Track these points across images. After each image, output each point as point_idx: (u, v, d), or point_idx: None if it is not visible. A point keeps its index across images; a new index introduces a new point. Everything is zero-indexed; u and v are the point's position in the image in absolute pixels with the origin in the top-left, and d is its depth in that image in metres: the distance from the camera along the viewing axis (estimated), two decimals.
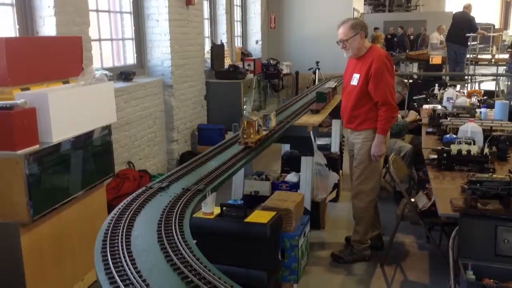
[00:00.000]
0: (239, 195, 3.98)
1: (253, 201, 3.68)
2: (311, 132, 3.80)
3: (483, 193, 2.52)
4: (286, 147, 5.16)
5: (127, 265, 1.46)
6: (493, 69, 10.87)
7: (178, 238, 1.65)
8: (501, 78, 9.87)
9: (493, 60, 10.96)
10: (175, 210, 1.91)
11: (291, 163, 4.57)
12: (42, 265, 2.81)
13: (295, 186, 3.98)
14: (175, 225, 1.76)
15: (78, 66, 3.31)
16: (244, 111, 6.80)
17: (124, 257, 1.51)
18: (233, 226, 2.62)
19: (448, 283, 2.95)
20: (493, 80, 10.26)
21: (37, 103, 2.68)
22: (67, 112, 2.88)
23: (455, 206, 2.53)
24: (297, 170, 4.12)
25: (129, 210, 1.90)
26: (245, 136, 2.82)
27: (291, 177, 4.11)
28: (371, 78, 3.38)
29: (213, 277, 1.38)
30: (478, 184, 2.55)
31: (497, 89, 9.49)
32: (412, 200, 3.57)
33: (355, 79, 3.50)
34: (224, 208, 2.73)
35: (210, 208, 2.68)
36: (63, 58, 3.21)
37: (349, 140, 3.76)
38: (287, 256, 2.96)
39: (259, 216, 2.68)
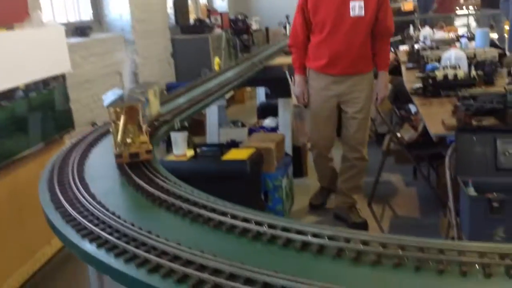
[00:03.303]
0: None
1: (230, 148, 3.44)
2: (286, 72, 3.56)
3: (477, 109, 2.34)
4: (261, 98, 4.91)
5: (79, 191, 1.19)
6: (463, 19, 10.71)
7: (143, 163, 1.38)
8: (472, 23, 9.71)
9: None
10: None
11: (267, 113, 4.32)
12: (0, 229, 2.52)
13: (274, 131, 3.74)
14: None
15: (23, 11, 2.94)
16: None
17: (76, 184, 1.24)
18: (209, 166, 2.37)
19: (442, 211, 2.81)
20: (464, 25, 10.12)
21: None
22: (11, 57, 2.54)
23: (448, 125, 2.34)
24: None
25: (84, 141, 1.63)
26: (121, 141, 1.37)
27: (269, 122, 3.88)
28: (382, 4, 2.88)
29: (185, 191, 1.13)
30: (471, 100, 2.36)
31: (468, 35, 9.35)
32: (398, 135, 3.38)
33: (358, 8, 2.83)
34: (197, 148, 2.47)
35: (181, 150, 2.43)
36: (4, 2, 2.83)
37: (334, 92, 2.98)
38: (271, 198, 2.75)
39: (237, 154, 2.45)
